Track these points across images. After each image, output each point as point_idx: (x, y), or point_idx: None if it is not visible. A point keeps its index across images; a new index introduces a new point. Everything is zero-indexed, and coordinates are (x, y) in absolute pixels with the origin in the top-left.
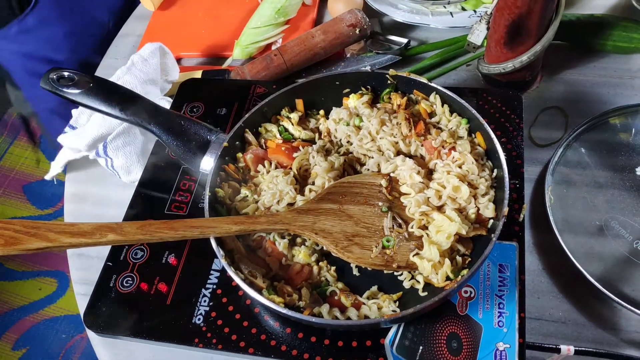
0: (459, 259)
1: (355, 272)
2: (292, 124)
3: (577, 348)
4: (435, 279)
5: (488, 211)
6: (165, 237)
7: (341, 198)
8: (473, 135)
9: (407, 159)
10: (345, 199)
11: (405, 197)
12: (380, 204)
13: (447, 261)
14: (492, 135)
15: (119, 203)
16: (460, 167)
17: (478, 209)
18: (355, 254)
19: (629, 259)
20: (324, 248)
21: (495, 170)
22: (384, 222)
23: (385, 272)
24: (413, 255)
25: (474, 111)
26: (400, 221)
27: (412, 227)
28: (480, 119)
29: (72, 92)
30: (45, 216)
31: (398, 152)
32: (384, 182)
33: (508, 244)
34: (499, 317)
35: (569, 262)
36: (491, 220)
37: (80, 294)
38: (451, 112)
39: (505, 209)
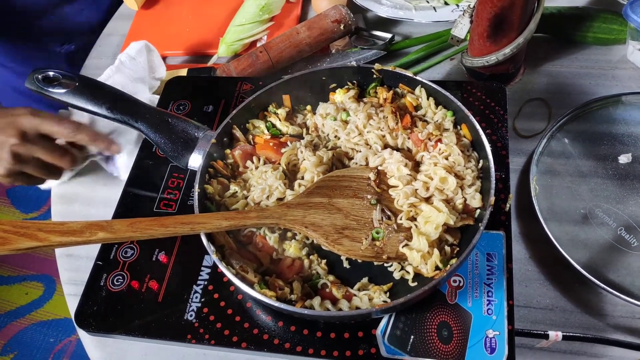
0: (447, 248)
1: (345, 264)
2: (280, 120)
3: (564, 333)
4: (425, 269)
5: (475, 201)
6: (156, 234)
7: (330, 192)
8: (459, 127)
9: (395, 152)
10: (334, 193)
11: (394, 190)
12: (369, 196)
13: (436, 251)
14: (478, 127)
15: (107, 203)
16: (446, 158)
17: (465, 200)
18: (346, 247)
19: (613, 245)
20: (315, 241)
21: (481, 161)
22: (373, 214)
23: (375, 263)
24: (402, 247)
25: (459, 103)
26: (389, 213)
27: (400, 219)
28: (466, 110)
29: (58, 92)
30: (31, 219)
31: (385, 146)
32: (372, 175)
33: (495, 233)
34: (487, 305)
35: (555, 250)
36: (478, 210)
37: (71, 295)
38: (436, 104)
39: (492, 199)
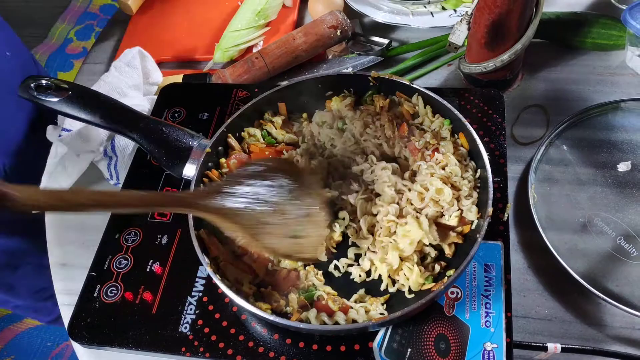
0: (437, 265)
1: (336, 274)
2: (275, 128)
3: (563, 345)
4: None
5: (471, 214)
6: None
7: (251, 182)
8: (456, 136)
9: (387, 167)
10: (255, 183)
11: (375, 206)
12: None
13: (416, 268)
14: (475, 136)
15: None
16: (443, 168)
17: (461, 212)
18: (264, 243)
19: (612, 255)
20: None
21: (479, 171)
22: (295, 210)
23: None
24: (370, 257)
25: (456, 112)
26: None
27: (379, 235)
28: (463, 119)
29: (51, 101)
30: None
31: (382, 154)
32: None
33: (493, 244)
34: (485, 317)
35: (553, 259)
36: (474, 222)
37: (65, 305)
38: (434, 113)
39: (490, 209)
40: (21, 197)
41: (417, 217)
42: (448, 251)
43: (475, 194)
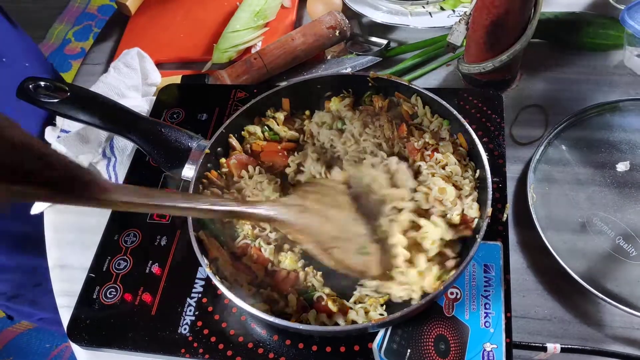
0: (449, 263)
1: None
2: (278, 124)
3: (563, 346)
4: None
5: (472, 211)
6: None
7: (321, 197)
8: (455, 136)
9: (400, 162)
10: (323, 199)
11: (398, 202)
12: (353, 210)
13: (435, 268)
14: (475, 137)
15: (100, 212)
16: (443, 168)
17: (463, 210)
18: (335, 258)
19: (611, 254)
20: (303, 249)
21: (478, 171)
22: (359, 228)
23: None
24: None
25: (455, 112)
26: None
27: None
28: (462, 119)
29: (50, 102)
30: None
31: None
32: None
33: (492, 244)
34: (485, 317)
35: (553, 259)
36: (476, 220)
37: (64, 306)
38: (432, 113)
39: (489, 210)
40: (115, 192)
41: (429, 216)
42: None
43: (475, 192)
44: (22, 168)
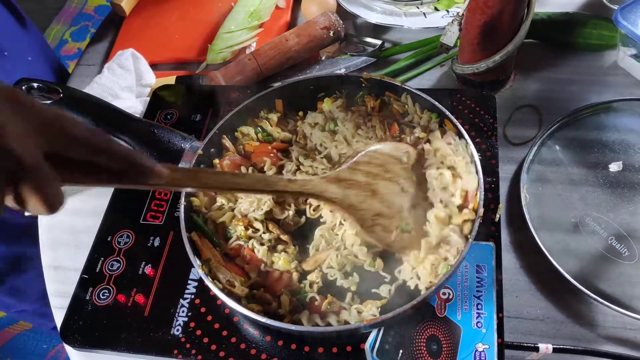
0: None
1: (337, 277)
2: (271, 125)
3: (555, 346)
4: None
5: (472, 183)
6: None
7: (370, 169)
8: (444, 126)
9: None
10: (372, 172)
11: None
12: (401, 181)
13: (432, 256)
14: (467, 136)
15: (94, 213)
16: (435, 155)
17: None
18: (377, 235)
19: (604, 255)
20: (345, 224)
21: (468, 146)
22: (404, 202)
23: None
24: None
25: (439, 105)
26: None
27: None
28: (453, 119)
29: (43, 103)
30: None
31: None
32: (405, 158)
33: (485, 244)
34: (477, 318)
35: (545, 259)
36: (477, 196)
37: (57, 307)
38: (422, 109)
39: (481, 210)
40: (167, 175)
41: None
42: (466, 231)
43: (472, 167)
44: (88, 161)
